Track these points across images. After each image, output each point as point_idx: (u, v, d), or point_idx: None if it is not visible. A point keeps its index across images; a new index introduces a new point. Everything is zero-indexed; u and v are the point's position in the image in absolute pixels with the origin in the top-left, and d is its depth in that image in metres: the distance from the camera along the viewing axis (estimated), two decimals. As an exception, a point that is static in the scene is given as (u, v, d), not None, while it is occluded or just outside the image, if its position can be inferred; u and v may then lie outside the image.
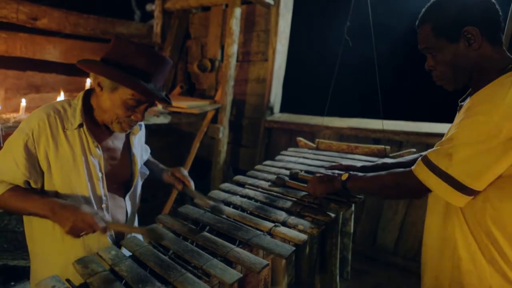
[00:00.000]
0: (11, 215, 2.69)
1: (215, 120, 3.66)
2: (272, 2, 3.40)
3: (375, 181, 1.26)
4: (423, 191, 1.09)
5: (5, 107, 3.04)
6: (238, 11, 3.39)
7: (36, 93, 3.42)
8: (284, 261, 1.56)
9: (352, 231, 2.23)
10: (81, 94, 1.31)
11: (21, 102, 2.61)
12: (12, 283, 2.60)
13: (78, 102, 1.28)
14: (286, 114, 3.76)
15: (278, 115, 3.73)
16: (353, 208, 2.14)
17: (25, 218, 1.33)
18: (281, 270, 1.54)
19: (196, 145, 3.62)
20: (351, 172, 1.38)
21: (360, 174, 1.35)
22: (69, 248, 1.28)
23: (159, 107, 3.48)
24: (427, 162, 1.06)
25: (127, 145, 1.43)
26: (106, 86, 1.21)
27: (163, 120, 3.33)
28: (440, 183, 1.02)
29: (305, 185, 1.54)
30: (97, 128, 1.32)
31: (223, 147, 3.68)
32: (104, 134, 1.34)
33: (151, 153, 1.72)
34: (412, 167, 1.12)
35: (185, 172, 1.50)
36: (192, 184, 1.48)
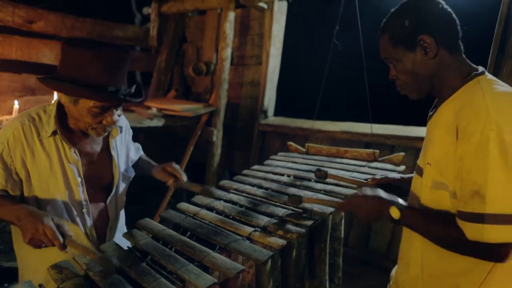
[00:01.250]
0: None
1: (210, 123, 3.66)
2: (265, 6, 3.41)
3: (436, 232, 1.03)
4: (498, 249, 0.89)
5: (0, 110, 3.06)
6: (231, 15, 3.40)
7: (31, 95, 3.43)
8: (268, 265, 1.55)
9: (342, 236, 2.22)
10: (56, 100, 1.29)
11: (14, 104, 2.63)
12: (6, 285, 2.60)
13: (53, 108, 1.27)
14: (279, 118, 3.77)
15: (272, 119, 3.73)
16: (343, 213, 2.13)
17: None
18: (265, 275, 1.53)
19: (190, 148, 3.63)
20: (401, 205, 1.10)
21: (417, 213, 1.09)
22: (52, 253, 1.27)
23: (153, 110, 3.49)
24: (465, 216, 0.93)
25: (107, 148, 1.42)
26: (67, 100, 1.20)
27: (157, 123, 3.34)
28: (495, 229, 0.87)
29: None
30: (73, 133, 1.31)
31: (217, 150, 3.69)
32: (81, 139, 1.33)
33: (148, 156, 1.71)
34: (467, 235, 0.92)
35: (177, 166, 1.47)
36: (184, 177, 1.45)
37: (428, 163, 1.07)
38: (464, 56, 1.07)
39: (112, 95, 1.18)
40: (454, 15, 1.04)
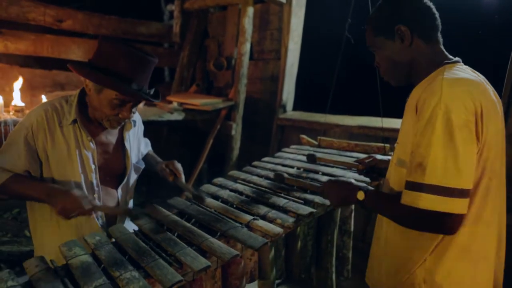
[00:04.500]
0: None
1: (229, 117, 3.73)
2: (284, 1, 3.42)
3: (390, 211, 1.12)
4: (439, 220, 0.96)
5: (31, 104, 3.26)
6: (250, 10, 3.43)
7: (61, 90, 3.64)
8: (271, 254, 1.59)
9: (352, 229, 2.22)
10: (77, 91, 1.40)
11: (41, 99, 2.80)
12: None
13: (74, 99, 1.38)
14: (298, 112, 3.78)
15: (290, 113, 3.75)
16: (353, 206, 2.13)
17: (28, 205, 1.45)
18: (268, 263, 1.57)
19: (210, 141, 3.71)
20: (367, 189, 1.19)
21: (378, 194, 1.19)
22: (64, 233, 1.39)
23: (174, 104, 3.60)
24: (407, 185, 1.02)
25: (121, 140, 1.51)
26: (92, 88, 1.30)
27: (177, 116, 3.44)
28: (430, 198, 0.95)
29: (316, 184, 1.51)
30: (91, 123, 1.41)
31: (236, 144, 3.75)
32: (98, 129, 1.43)
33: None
34: (402, 199, 1.03)
35: (178, 165, 1.57)
36: (182, 177, 1.55)
37: (397, 143, 1.18)
38: (442, 47, 1.15)
39: (134, 91, 1.28)
40: (434, 9, 1.13)
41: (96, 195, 1.41)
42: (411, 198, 0.99)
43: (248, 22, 3.46)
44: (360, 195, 1.17)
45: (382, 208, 1.16)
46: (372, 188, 1.20)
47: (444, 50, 1.15)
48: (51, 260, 1.06)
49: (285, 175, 1.67)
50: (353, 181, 1.27)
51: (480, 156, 1.00)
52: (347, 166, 1.80)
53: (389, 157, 1.54)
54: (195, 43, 4.45)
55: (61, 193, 1.23)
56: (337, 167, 1.86)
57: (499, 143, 1.06)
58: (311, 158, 1.93)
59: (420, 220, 1.00)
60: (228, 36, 4.22)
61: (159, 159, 1.71)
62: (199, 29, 4.46)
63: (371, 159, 1.58)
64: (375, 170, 1.58)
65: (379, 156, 1.57)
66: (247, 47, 3.53)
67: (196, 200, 1.42)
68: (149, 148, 1.78)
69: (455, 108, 0.95)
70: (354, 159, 1.73)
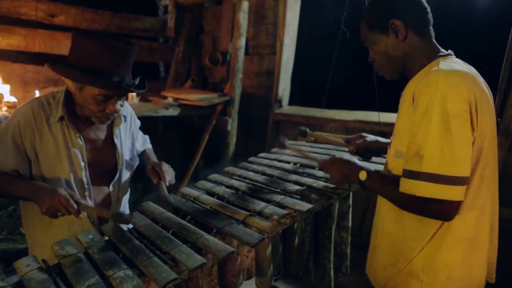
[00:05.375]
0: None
1: (225, 112, 3.71)
2: (279, -6, 3.39)
3: (390, 194, 1.14)
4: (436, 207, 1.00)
5: (24, 100, 3.21)
6: (245, 5, 3.40)
7: (54, 86, 3.59)
8: (268, 250, 1.58)
9: (350, 225, 2.21)
10: (64, 87, 1.36)
11: (35, 94, 2.75)
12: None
13: (61, 95, 1.34)
14: (294, 107, 3.75)
15: (286, 108, 3.72)
16: (350, 202, 2.12)
17: (20, 203, 1.42)
18: (265, 260, 1.56)
19: (205, 137, 3.69)
20: (370, 170, 1.22)
21: (380, 176, 1.20)
22: (56, 232, 1.36)
23: (169, 99, 3.57)
24: (405, 173, 1.05)
25: (110, 136, 1.48)
26: (73, 86, 1.27)
27: (172, 112, 3.41)
28: (427, 186, 0.98)
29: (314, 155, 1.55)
30: (79, 120, 1.38)
31: (232, 139, 3.73)
32: (86, 125, 1.40)
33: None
34: (400, 188, 1.06)
35: (166, 167, 1.50)
36: (167, 181, 1.46)
37: (394, 135, 1.20)
38: (434, 41, 1.18)
39: (116, 84, 1.24)
40: (425, 4, 1.15)
41: (87, 193, 1.38)
42: (408, 186, 1.02)
43: (243, 17, 3.42)
44: (362, 175, 1.20)
45: (382, 190, 1.17)
46: (374, 170, 1.22)
47: (436, 43, 1.18)
48: (42, 260, 1.04)
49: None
50: (356, 160, 1.29)
51: (475, 146, 1.02)
52: (338, 144, 1.86)
53: (379, 138, 1.59)
54: (190, 38, 4.41)
55: (47, 192, 1.17)
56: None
57: (492, 134, 1.09)
58: (302, 133, 1.92)
59: (418, 206, 1.04)
60: (223, 31, 4.18)
61: (152, 159, 1.66)
62: (194, 24, 4.41)
63: (361, 139, 1.61)
64: (365, 150, 1.62)
65: (369, 137, 1.60)
66: (242, 42, 3.50)
67: (164, 203, 1.35)
68: (148, 145, 1.74)
69: (450, 98, 0.97)
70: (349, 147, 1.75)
